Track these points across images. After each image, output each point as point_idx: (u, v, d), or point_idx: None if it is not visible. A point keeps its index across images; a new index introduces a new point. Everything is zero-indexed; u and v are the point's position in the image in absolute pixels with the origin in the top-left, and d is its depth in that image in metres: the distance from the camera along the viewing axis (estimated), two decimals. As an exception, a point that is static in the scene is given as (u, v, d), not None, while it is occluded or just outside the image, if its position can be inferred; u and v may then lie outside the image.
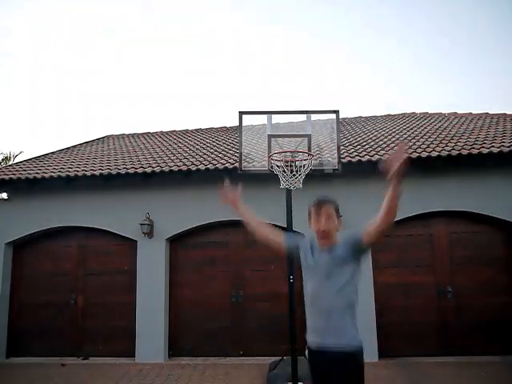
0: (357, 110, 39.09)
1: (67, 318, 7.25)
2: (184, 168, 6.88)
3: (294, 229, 5.25)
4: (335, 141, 5.81)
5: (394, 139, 7.67)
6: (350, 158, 6.53)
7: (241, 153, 5.75)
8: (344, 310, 1.98)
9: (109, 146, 9.99)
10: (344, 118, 10.64)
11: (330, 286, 2.00)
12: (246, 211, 2.35)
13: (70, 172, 7.23)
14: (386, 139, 7.74)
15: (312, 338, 2.05)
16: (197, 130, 11.36)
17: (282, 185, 5.14)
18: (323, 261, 2.07)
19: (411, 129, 8.58)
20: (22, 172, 7.58)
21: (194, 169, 6.83)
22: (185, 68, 47.03)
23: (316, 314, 2.05)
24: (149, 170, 6.99)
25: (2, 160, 16.77)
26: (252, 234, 2.40)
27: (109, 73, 42.32)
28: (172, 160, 7.55)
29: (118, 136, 11.43)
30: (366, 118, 10.84)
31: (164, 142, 9.63)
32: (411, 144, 7.11)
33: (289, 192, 5.20)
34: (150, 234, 6.99)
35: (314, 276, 2.10)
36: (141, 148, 9.17)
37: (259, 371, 5.89)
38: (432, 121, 9.24)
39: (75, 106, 36.96)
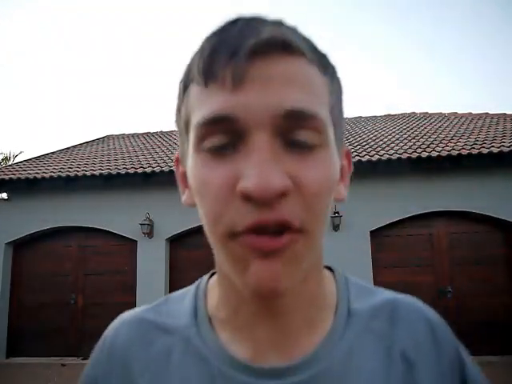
0: (357, 110, 39.09)
1: (67, 318, 7.24)
2: (184, 168, 6.87)
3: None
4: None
5: (393, 139, 7.67)
6: (349, 158, 6.52)
7: (241, 153, 5.75)
8: None
9: (109, 146, 9.98)
10: (344, 118, 10.62)
11: None
12: None
13: (70, 172, 7.23)
14: (385, 139, 7.74)
15: None
16: (197, 129, 11.34)
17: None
18: None
19: (411, 129, 8.57)
20: (22, 172, 7.58)
21: (193, 169, 6.82)
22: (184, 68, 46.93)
23: None
24: (149, 170, 6.99)
25: (2, 160, 16.77)
26: None
27: (109, 73, 42.32)
28: (172, 160, 7.55)
29: (118, 136, 11.41)
30: (366, 118, 10.84)
31: (164, 142, 9.62)
32: (411, 144, 7.11)
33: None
34: (150, 234, 6.98)
35: None
36: (141, 148, 9.17)
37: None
38: (432, 121, 9.23)
39: (75, 106, 36.96)
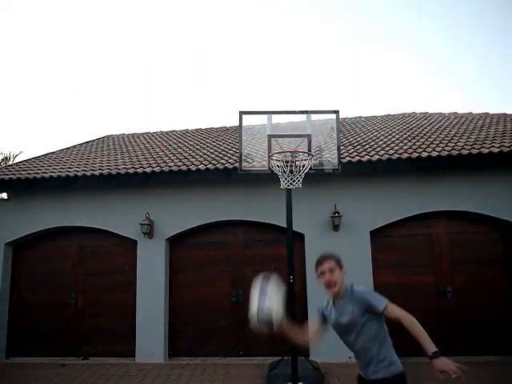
0: (357, 110, 39.09)
1: (67, 318, 7.24)
2: (184, 168, 6.88)
3: (293, 229, 5.26)
4: (335, 141, 5.81)
5: (393, 139, 7.67)
6: (349, 158, 6.53)
7: (241, 153, 5.77)
8: (370, 347, 2.41)
9: (109, 146, 9.99)
10: (344, 118, 10.64)
11: (350, 338, 2.41)
12: (295, 333, 2.63)
13: (69, 172, 7.23)
14: (385, 139, 7.74)
15: (360, 370, 2.52)
16: (197, 130, 11.36)
17: (282, 185, 5.14)
18: (336, 318, 2.44)
19: (411, 129, 8.58)
20: (22, 172, 7.58)
21: (193, 169, 6.83)
22: (185, 68, 47.09)
23: (355, 355, 2.50)
24: (149, 170, 6.99)
25: (2, 160, 16.76)
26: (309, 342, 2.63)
27: (109, 73, 42.37)
28: (172, 160, 7.55)
29: (118, 136, 11.43)
30: (366, 118, 10.84)
31: (164, 142, 9.63)
32: (411, 144, 7.11)
33: (289, 192, 5.21)
34: (150, 234, 6.99)
35: (338, 331, 2.49)
36: (141, 148, 9.17)
37: (259, 371, 5.89)
38: (432, 121, 9.24)
39: (75, 106, 36.98)
